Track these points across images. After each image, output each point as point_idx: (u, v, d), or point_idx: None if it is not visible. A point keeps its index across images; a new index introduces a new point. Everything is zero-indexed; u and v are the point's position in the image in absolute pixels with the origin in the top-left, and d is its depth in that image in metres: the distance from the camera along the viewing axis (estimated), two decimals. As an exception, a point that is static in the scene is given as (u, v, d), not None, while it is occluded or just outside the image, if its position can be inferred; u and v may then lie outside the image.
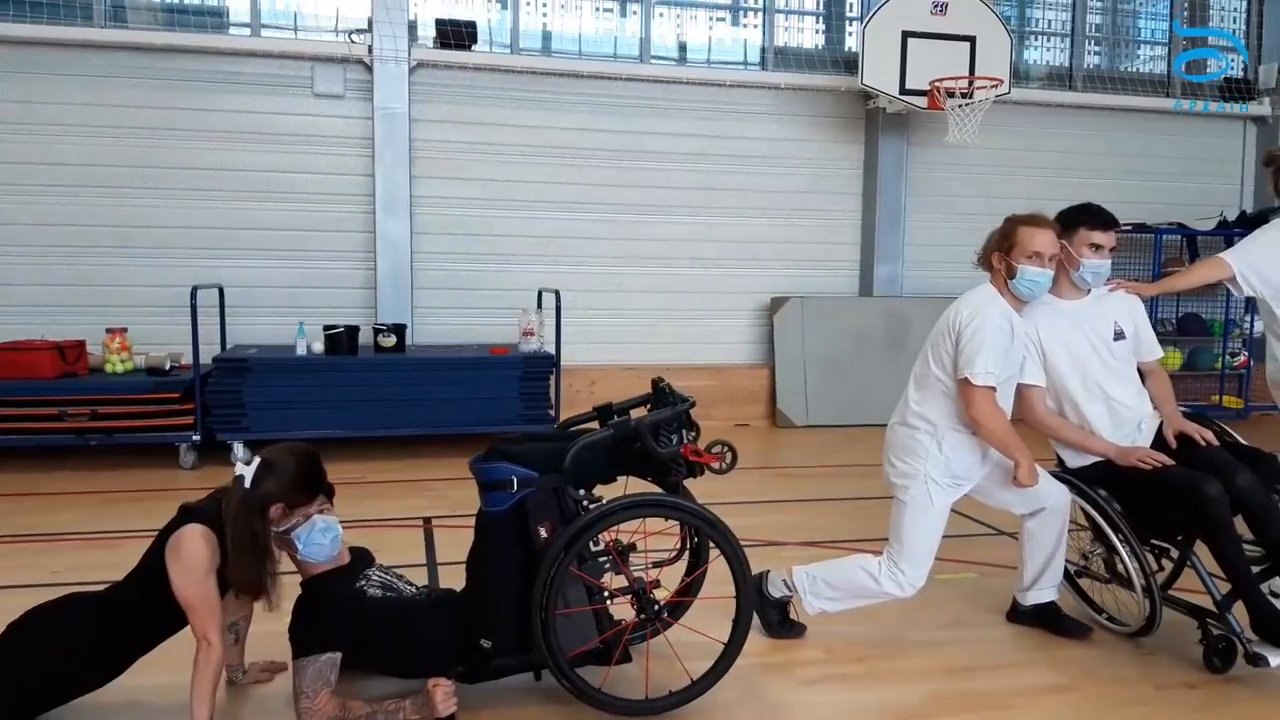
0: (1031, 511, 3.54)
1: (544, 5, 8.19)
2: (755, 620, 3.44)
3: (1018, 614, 3.73)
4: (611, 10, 8.36)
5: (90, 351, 6.69)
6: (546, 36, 8.22)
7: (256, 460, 2.80)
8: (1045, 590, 3.65)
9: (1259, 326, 8.92)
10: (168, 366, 6.59)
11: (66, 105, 7.09)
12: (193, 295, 6.24)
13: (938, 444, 3.39)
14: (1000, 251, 3.42)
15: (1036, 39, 9.59)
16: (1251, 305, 9.37)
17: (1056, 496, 3.50)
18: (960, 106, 7.68)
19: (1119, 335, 3.52)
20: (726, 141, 8.31)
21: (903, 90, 7.71)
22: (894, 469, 3.47)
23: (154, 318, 7.11)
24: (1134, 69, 9.69)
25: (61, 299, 7.09)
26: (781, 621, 3.58)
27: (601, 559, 2.88)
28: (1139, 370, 3.63)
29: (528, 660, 2.92)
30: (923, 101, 7.73)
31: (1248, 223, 8.77)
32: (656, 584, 3.02)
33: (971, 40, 7.79)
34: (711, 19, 8.61)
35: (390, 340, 6.88)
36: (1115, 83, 9.31)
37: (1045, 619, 3.67)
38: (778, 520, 5.22)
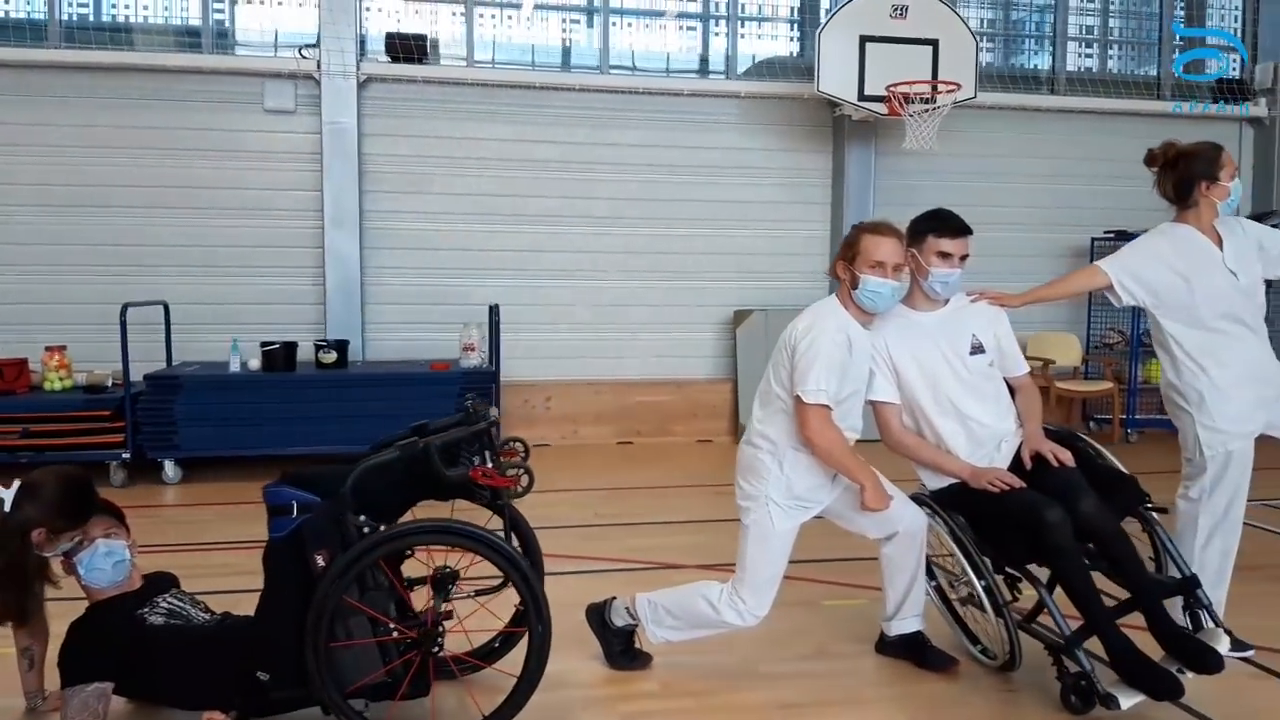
0: (886, 536, 3.32)
1: (507, 18, 8.12)
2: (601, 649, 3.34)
3: (885, 644, 3.51)
4: (578, 22, 8.27)
5: (33, 370, 6.72)
6: (513, 49, 8.15)
7: (16, 484, 2.71)
8: (909, 620, 3.43)
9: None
10: (109, 384, 6.59)
11: (14, 125, 7.15)
12: (123, 312, 6.22)
13: (779, 464, 3.20)
14: (844, 261, 3.22)
15: (1022, 42, 9.32)
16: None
17: (910, 520, 3.28)
18: (922, 112, 7.44)
19: (976, 349, 3.29)
20: (688, 152, 8.15)
21: (862, 96, 7.49)
22: (740, 491, 3.29)
23: (104, 335, 7.12)
24: (1125, 71, 9.35)
25: (6, 317, 7.13)
26: (624, 651, 3.40)
27: (385, 588, 2.74)
28: (1010, 387, 3.41)
29: (308, 694, 2.79)
30: (883, 108, 7.50)
31: (1238, 228, 8.40)
32: (448, 615, 2.86)
33: (934, 44, 7.54)
34: (680, 27, 8.48)
35: (331, 356, 6.82)
36: (1103, 85, 8.99)
37: (910, 650, 3.44)
38: (712, 541, 5.01)
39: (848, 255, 3.22)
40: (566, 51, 8.29)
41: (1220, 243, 3.46)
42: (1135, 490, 3.13)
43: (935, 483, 3.32)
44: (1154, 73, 9.34)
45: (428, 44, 7.63)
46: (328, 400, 6.58)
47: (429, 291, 7.78)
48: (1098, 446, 3.31)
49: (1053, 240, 8.70)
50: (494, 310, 6.96)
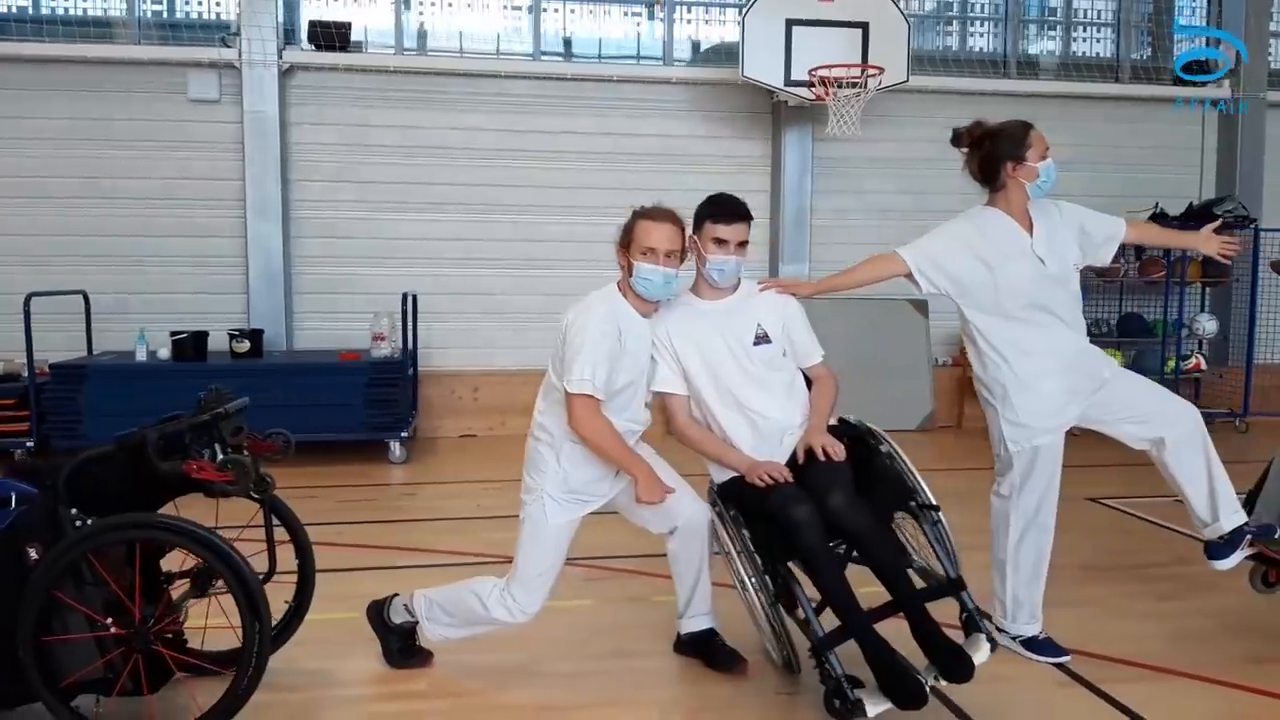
0: (668, 531, 3.21)
1: (447, 4, 8.04)
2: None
3: (679, 643, 3.39)
4: (519, 8, 8.16)
5: (-47, 359, 6.78)
6: (453, 35, 8.08)
7: None
8: (699, 618, 3.31)
9: (1212, 327, 8.33)
10: (24, 374, 6.62)
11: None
12: (26, 301, 6.25)
13: (556, 456, 3.10)
14: (622, 247, 3.11)
15: (982, 25, 9.07)
16: (1204, 303, 8.69)
17: (691, 514, 3.17)
18: (850, 97, 7.25)
19: (761, 339, 3.15)
20: (624, 139, 8.03)
21: (788, 82, 7.32)
22: (523, 484, 3.19)
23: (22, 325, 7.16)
24: (1091, 55, 9.07)
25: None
26: (402, 650, 3.30)
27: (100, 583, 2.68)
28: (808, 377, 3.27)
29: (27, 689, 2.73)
30: (810, 93, 7.32)
31: (1194, 215, 8.12)
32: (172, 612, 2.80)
33: (864, 27, 7.34)
34: (625, 14, 8.35)
35: (244, 346, 6.79)
36: (1063, 68, 8.74)
37: (700, 649, 3.32)
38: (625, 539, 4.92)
39: (624, 241, 3.11)
40: (503, 38, 8.19)
41: (1032, 228, 3.29)
42: (901, 488, 2.98)
43: (720, 476, 3.20)
44: (1098, 55, 9.05)
45: (350, 31, 7.57)
46: (236, 391, 6.53)
47: (357, 280, 7.74)
48: (892, 444, 3.14)
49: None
50: (407, 299, 6.90)
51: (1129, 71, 8.88)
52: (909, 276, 3.30)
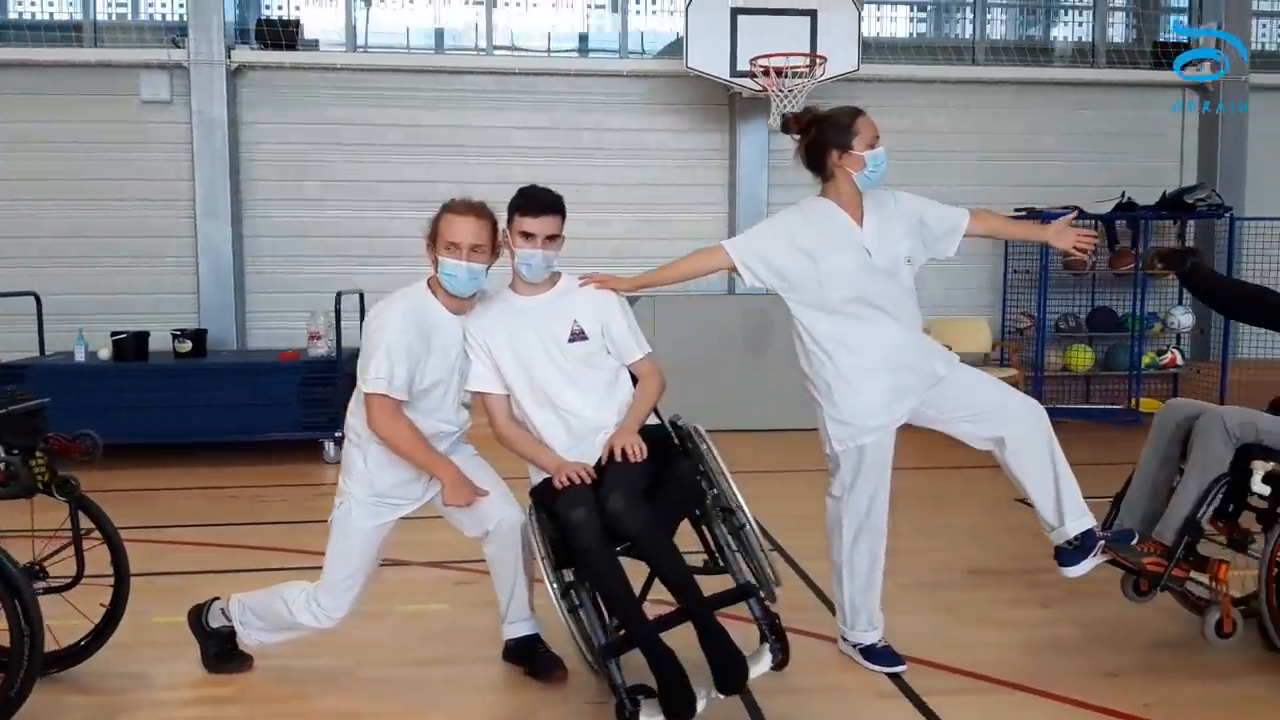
0: (482, 534, 3.13)
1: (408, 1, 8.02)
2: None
3: (506, 650, 3.31)
4: (481, 3, 8.10)
5: (-98, 359, 6.90)
6: (418, 33, 8.06)
7: None
8: (520, 623, 3.23)
9: (1187, 320, 8.04)
10: (-26, 374, 6.72)
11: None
12: (-34, 303, 6.35)
13: (364, 458, 3.05)
14: (430, 242, 3.04)
15: (956, 10, 8.82)
16: (1182, 296, 8.39)
17: (503, 517, 3.09)
18: (800, 87, 7.09)
19: (577, 336, 3.06)
20: (578, 134, 7.95)
21: (735, 72, 7.18)
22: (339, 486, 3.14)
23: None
24: (1068, 40, 8.79)
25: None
26: (219, 654, 3.26)
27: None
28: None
29: None
30: (757, 84, 7.17)
31: (1166, 204, 7.84)
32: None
33: (812, 14, 7.18)
34: (588, 5, 8.25)
35: (186, 346, 6.83)
36: (1030, 54, 8.48)
37: (520, 656, 3.24)
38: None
39: (431, 236, 3.04)
40: (461, 34, 8.14)
41: (864, 219, 3.16)
42: (692, 491, 2.87)
43: (536, 477, 3.11)
44: (1076, 39, 8.77)
45: (300, 29, 7.58)
46: (174, 390, 6.59)
47: (309, 279, 7.73)
48: (709, 445, 3.01)
49: (968, 219, 8.22)
50: (340, 298, 6.87)
51: (1105, 56, 8.60)
52: (734, 270, 3.19)
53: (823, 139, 3.13)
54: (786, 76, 7.07)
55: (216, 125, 7.43)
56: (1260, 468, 3.08)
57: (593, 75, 7.93)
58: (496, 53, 8.06)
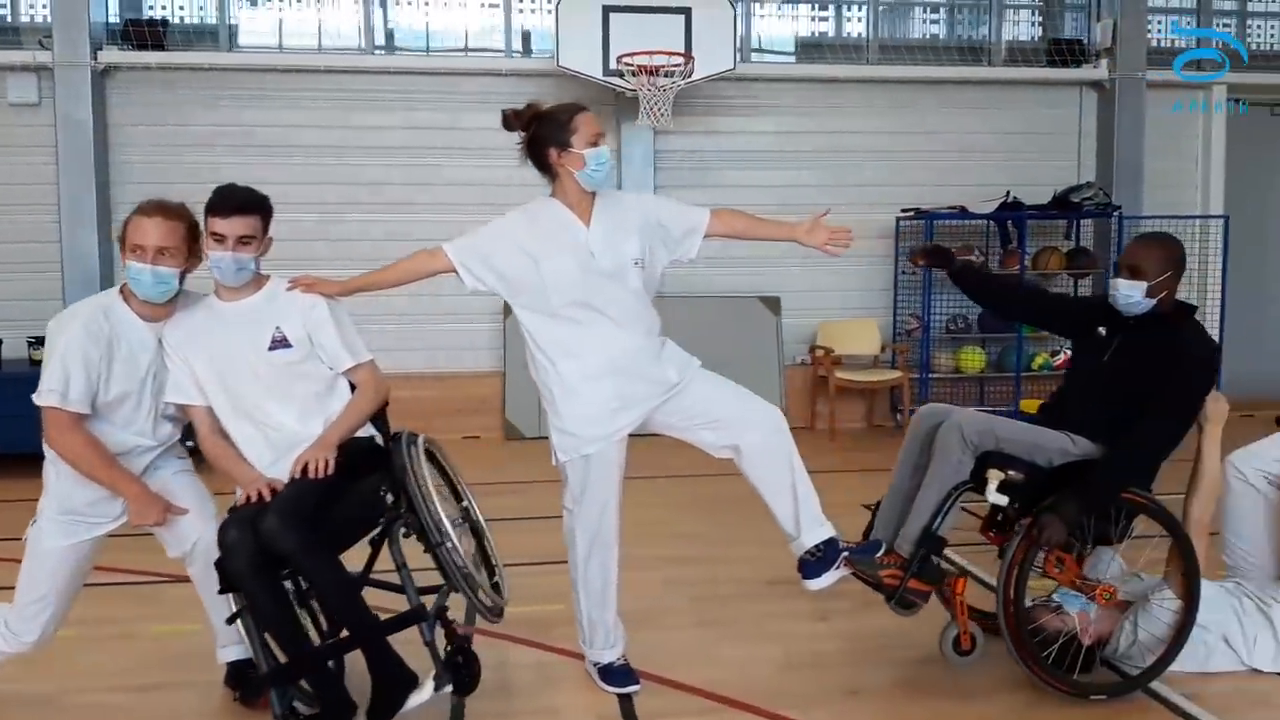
0: (182, 554, 2.98)
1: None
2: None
3: (226, 674, 3.16)
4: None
5: None
6: (304, 33, 7.89)
7: None
8: (231, 648, 3.06)
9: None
10: None
11: None
12: None
13: (56, 473, 2.90)
14: (120, 245, 2.90)
15: (852, 8, 8.69)
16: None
17: (199, 536, 2.91)
18: (671, 86, 6.97)
19: (279, 343, 2.91)
20: (463, 134, 7.75)
21: (607, 71, 7.05)
22: None
23: None
24: (966, 37, 8.67)
25: None
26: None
27: None
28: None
29: None
30: (630, 83, 7.04)
31: (1056, 204, 7.74)
32: None
33: (686, 13, 7.05)
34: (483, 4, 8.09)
35: (41, 354, 6.65)
36: (920, 52, 8.37)
37: (236, 679, 3.08)
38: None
39: (120, 238, 2.90)
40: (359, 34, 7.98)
41: (591, 220, 3.02)
42: (367, 508, 2.73)
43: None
44: (972, 37, 8.65)
45: (167, 29, 7.42)
46: (27, 400, 6.41)
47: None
48: (413, 460, 2.86)
49: (859, 222, 8.04)
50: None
51: (1002, 55, 8.48)
52: (455, 272, 3.05)
53: (541, 136, 3.00)
54: (662, 76, 6.94)
55: (82, 128, 7.24)
56: (994, 477, 2.95)
57: (473, 74, 7.77)
58: (378, 52, 7.90)
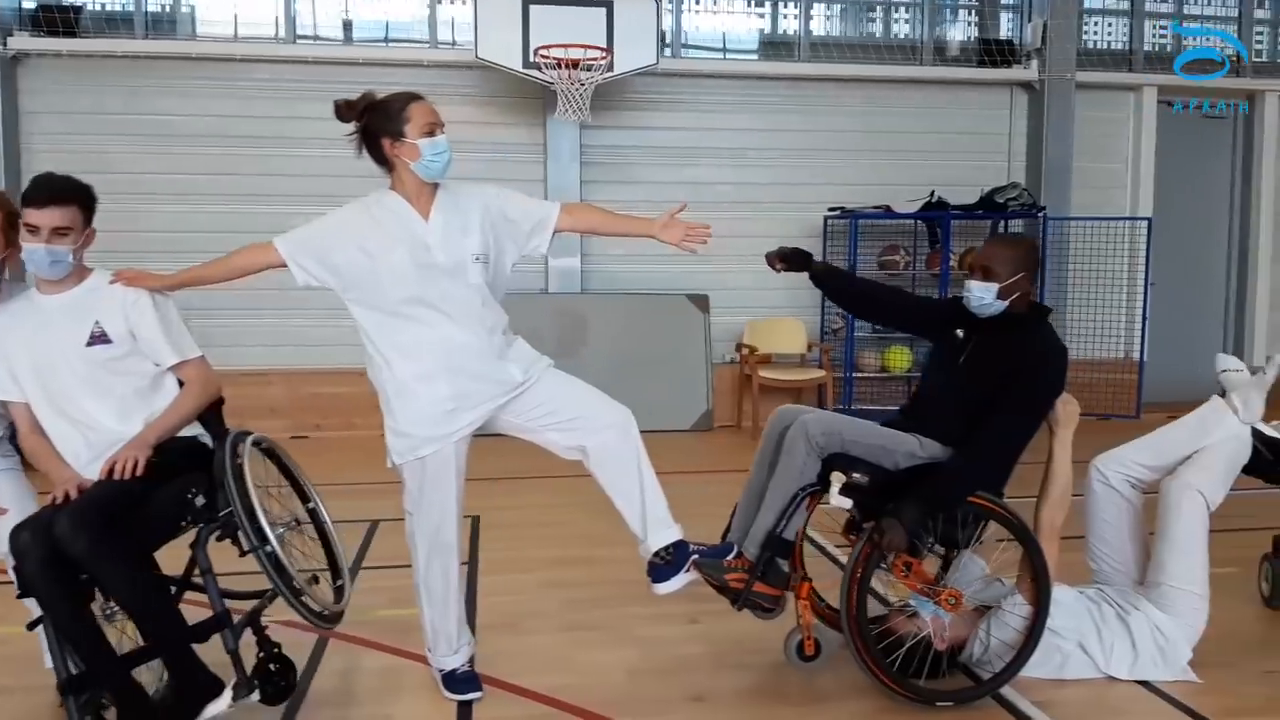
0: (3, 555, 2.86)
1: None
2: None
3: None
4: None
5: None
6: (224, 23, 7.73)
7: None
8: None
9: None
10: None
11: None
12: None
13: None
14: None
15: (786, 5, 8.63)
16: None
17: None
18: (593, 80, 6.88)
19: (98, 338, 2.80)
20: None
21: (527, 64, 6.95)
22: None
23: None
24: (900, 36, 8.64)
25: None
26: None
27: None
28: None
29: None
30: (549, 76, 6.95)
31: (982, 205, 7.73)
32: None
33: (608, 6, 6.97)
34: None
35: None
36: (849, 50, 8.33)
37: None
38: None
39: None
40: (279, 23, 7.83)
41: (431, 214, 2.93)
42: (170, 510, 2.62)
43: None
44: (902, 36, 8.62)
45: (80, 15, 7.24)
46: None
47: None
48: (228, 459, 2.75)
49: (788, 220, 8.06)
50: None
51: (933, 54, 8.46)
52: (285, 267, 2.95)
53: (374, 127, 2.91)
54: (581, 70, 6.85)
55: (-13, 117, 7.08)
56: (837, 480, 2.89)
57: (395, 65, 7.65)
58: (301, 42, 7.76)
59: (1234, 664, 3.26)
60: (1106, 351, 8.12)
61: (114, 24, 7.59)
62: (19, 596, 2.53)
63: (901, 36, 8.58)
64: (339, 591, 3.00)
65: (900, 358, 7.87)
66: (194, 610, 2.67)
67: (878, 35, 8.61)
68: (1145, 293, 7.90)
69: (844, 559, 3.28)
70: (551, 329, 7.68)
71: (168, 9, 7.69)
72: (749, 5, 8.47)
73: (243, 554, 2.64)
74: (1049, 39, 8.17)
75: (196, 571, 2.66)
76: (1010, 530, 2.97)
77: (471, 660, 3.10)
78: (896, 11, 8.64)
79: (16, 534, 2.45)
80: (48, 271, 2.79)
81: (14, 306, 2.85)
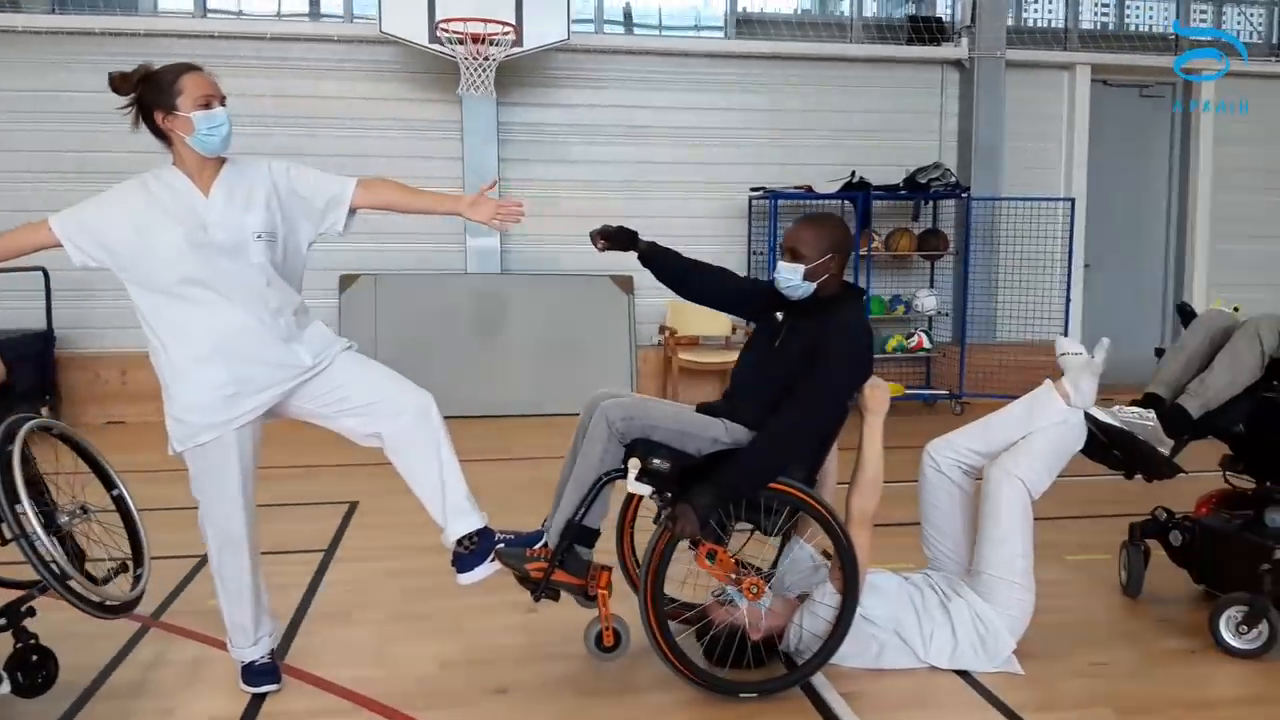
0: None
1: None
2: None
3: None
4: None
5: None
6: None
7: None
8: None
9: (930, 303, 7.85)
10: None
11: None
12: None
13: None
14: None
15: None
16: (932, 279, 8.21)
17: None
18: (498, 55, 6.75)
19: None
20: (293, 101, 7.50)
21: (433, 38, 6.81)
22: None
23: None
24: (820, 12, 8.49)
25: None
26: None
27: None
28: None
29: None
30: (459, 52, 6.81)
31: (907, 185, 7.61)
32: None
33: (518, -20, 6.83)
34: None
35: None
36: (782, 27, 8.20)
37: None
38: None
39: None
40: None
41: (212, 190, 2.81)
42: None
43: None
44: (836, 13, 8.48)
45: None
46: None
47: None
48: (88, 451, 2.67)
49: (711, 200, 7.95)
50: (46, 275, 6.47)
51: (860, 31, 8.33)
52: (60, 246, 2.82)
53: (148, 100, 2.77)
54: (489, 44, 6.71)
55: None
56: (634, 466, 2.80)
57: (304, 40, 7.49)
58: (213, 16, 7.60)
59: (1065, 655, 3.18)
60: (1038, 334, 8.03)
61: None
62: None
63: (834, 14, 8.43)
64: (137, 580, 2.91)
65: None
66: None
67: (814, 12, 8.47)
68: (1068, 274, 7.80)
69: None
70: (465, 310, 7.59)
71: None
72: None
73: (4, 543, 2.55)
74: (979, 16, 8.05)
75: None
76: (814, 518, 2.88)
77: (273, 652, 3.01)
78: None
79: None
80: None
81: None
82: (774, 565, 3.20)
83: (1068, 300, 7.76)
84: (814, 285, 2.93)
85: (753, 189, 7.67)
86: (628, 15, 8.14)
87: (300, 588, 3.80)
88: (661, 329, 7.79)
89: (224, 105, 2.80)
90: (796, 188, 7.51)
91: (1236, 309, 3.58)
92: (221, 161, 2.85)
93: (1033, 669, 3.07)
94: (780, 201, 7.43)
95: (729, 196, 7.94)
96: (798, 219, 3.09)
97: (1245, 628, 3.14)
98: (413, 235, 7.66)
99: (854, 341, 2.89)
